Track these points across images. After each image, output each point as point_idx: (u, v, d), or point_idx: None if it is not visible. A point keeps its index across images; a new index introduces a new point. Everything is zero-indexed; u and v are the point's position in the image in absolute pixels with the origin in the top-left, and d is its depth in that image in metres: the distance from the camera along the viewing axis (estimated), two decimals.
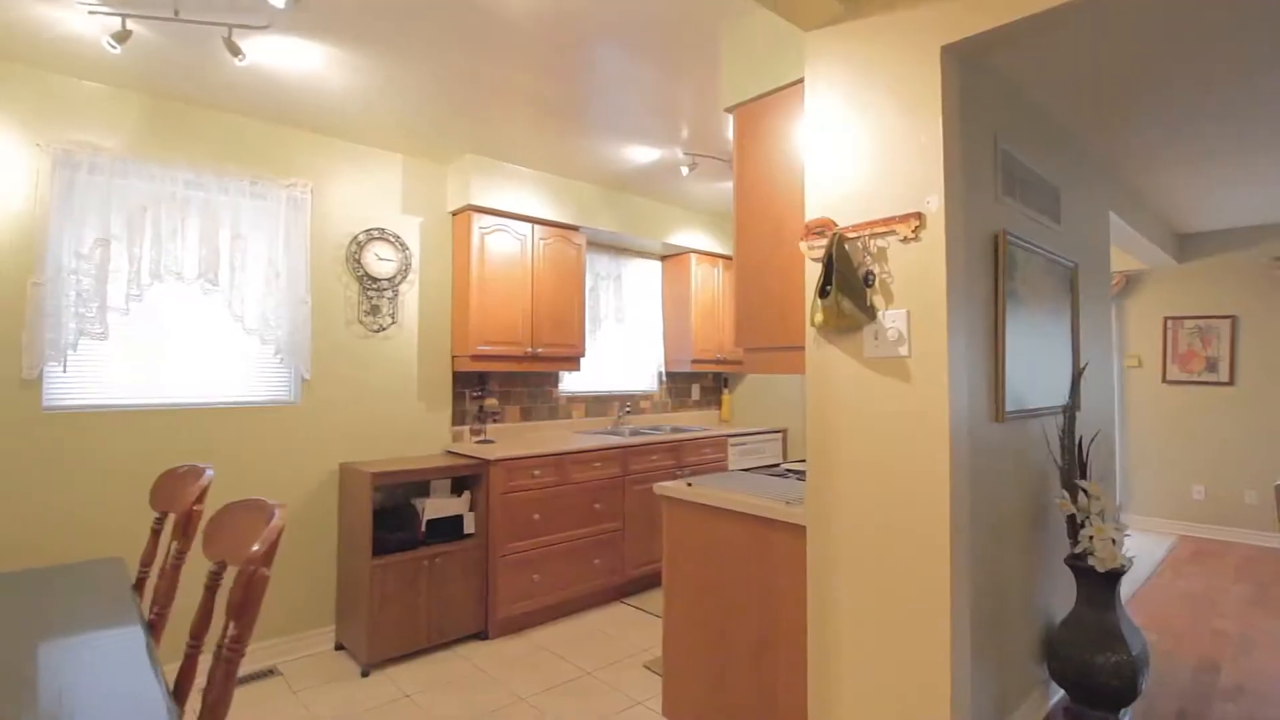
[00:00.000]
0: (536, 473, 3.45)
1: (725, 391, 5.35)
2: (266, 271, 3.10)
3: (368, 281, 3.42)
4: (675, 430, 4.77)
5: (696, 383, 5.31)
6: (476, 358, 3.61)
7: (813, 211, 2.00)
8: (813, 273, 1.99)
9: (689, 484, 2.41)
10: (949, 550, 1.68)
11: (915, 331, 1.77)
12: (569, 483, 3.60)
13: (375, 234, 3.45)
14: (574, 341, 4.05)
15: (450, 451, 3.65)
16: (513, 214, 3.77)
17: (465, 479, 3.46)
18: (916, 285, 1.78)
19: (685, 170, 3.59)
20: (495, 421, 3.88)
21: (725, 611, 2.23)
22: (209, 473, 1.94)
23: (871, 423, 1.84)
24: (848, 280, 1.79)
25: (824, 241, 1.91)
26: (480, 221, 3.64)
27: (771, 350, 2.23)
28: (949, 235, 1.74)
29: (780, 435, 4.96)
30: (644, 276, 4.92)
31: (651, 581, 4.08)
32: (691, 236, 4.73)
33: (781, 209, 2.21)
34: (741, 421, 5.26)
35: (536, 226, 3.88)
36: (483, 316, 3.62)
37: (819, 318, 1.81)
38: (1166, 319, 5.33)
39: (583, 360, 4.54)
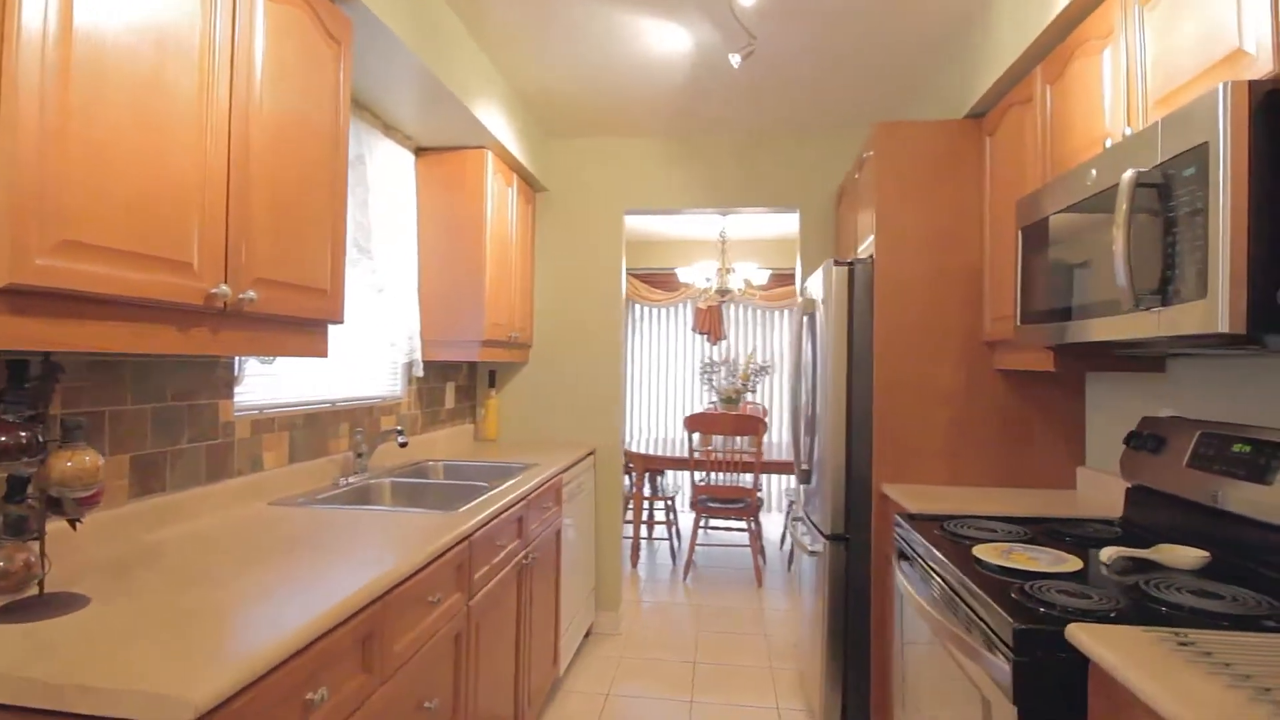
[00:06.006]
0: None
1: (492, 393, 3.29)
2: None
3: None
4: (451, 469, 2.58)
5: (451, 381, 3.11)
6: None
7: None
8: None
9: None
10: None
11: None
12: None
13: None
14: (320, 281, 1.58)
15: None
16: None
17: None
18: None
19: None
20: (64, 516, 1.15)
21: None
22: None
23: None
24: None
25: None
26: None
27: None
28: None
29: (592, 459, 3.25)
30: (394, 175, 2.53)
31: None
32: (496, 117, 2.60)
33: None
34: (514, 439, 3.31)
35: None
36: (52, 163, 0.96)
37: None
38: None
39: (333, 330, 2.01)
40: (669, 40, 2.35)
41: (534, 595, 2.24)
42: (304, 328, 1.56)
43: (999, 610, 1.16)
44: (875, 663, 2.27)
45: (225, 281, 1.27)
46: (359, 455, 2.19)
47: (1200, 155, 1.13)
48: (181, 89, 1.17)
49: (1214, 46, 1.19)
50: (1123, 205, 1.26)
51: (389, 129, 2.49)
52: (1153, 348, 1.50)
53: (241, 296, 1.30)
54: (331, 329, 2.10)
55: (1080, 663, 1.05)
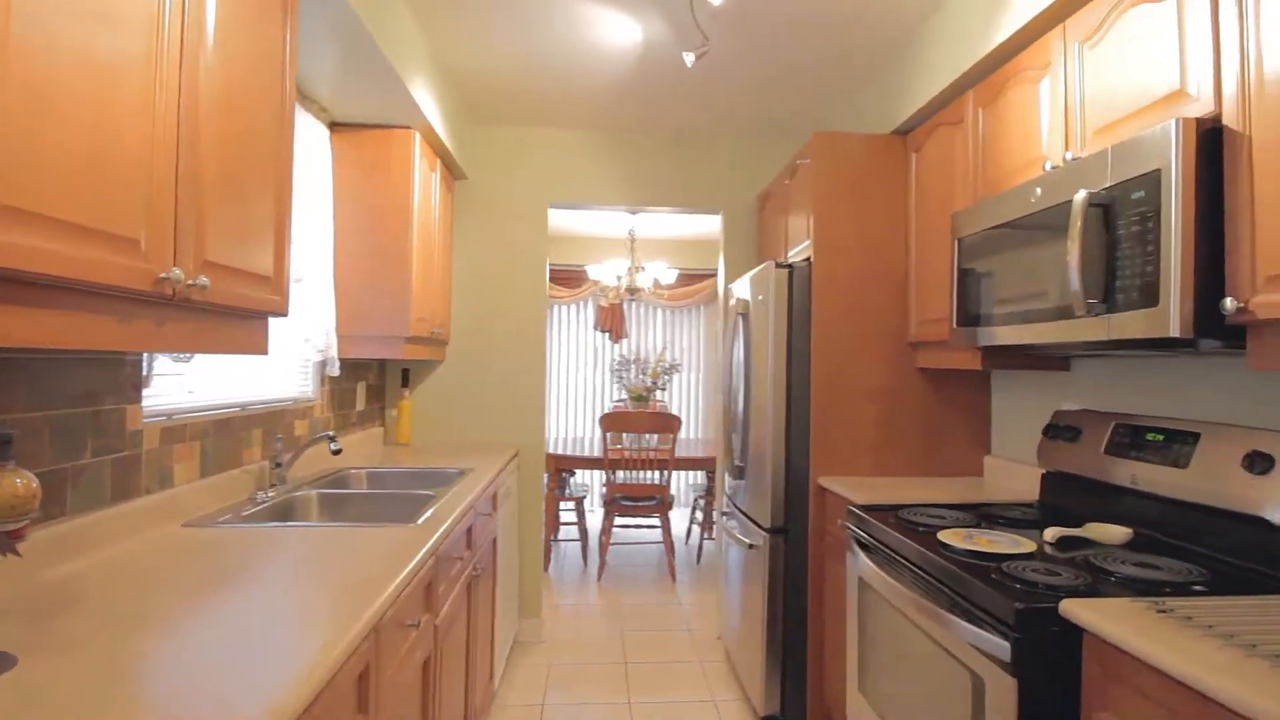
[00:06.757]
0: None
1: (406, 393, 3.06)
2: None
3: None
4: (376, 478, 2.38)
5: (363, 380, 2.85)
6: None
7: None
8: None
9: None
10: None
11: None
12: None
13: None
14: (265, 266, 1.38)
15: None
16: None
17: None
18: None
19: None
20: None
21: None
22: None
23: None
24: None
25: None
26: None
27: None
28: None
29: (516, 460, 3.12)
30: (309, 151, 2.26)
31: None
32: (426, 95, 2.40)
33: None
34: (429, 442, 3.10)
35: None
36: None
37: None
38: None
39: (273, 324, 1.75)
40: (621, 33, 2.31)
41: (478, 608, 2.12)
42: (247, 320, 1.35)
43: (993, 592, 1.25)
44: (813, 647, 2.38)
45: (176, 264, 1.07)
46: (277, 465, 1.95)
47: (1151, 181, 1.28)
48: (132, 28, 0.96)
49: (1156, 85, 1.35)
50: (1077, 222, 1.40)
51: (304, 99, 2.23)
52: (1070, 349, 1.70)
53: (192, 283, 1.10)
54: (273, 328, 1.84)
55: (1073, 634, 1.16)
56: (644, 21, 2.24)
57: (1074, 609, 1.14)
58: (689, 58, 2.18)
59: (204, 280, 1.12)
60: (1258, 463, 1.33)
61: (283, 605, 1.06)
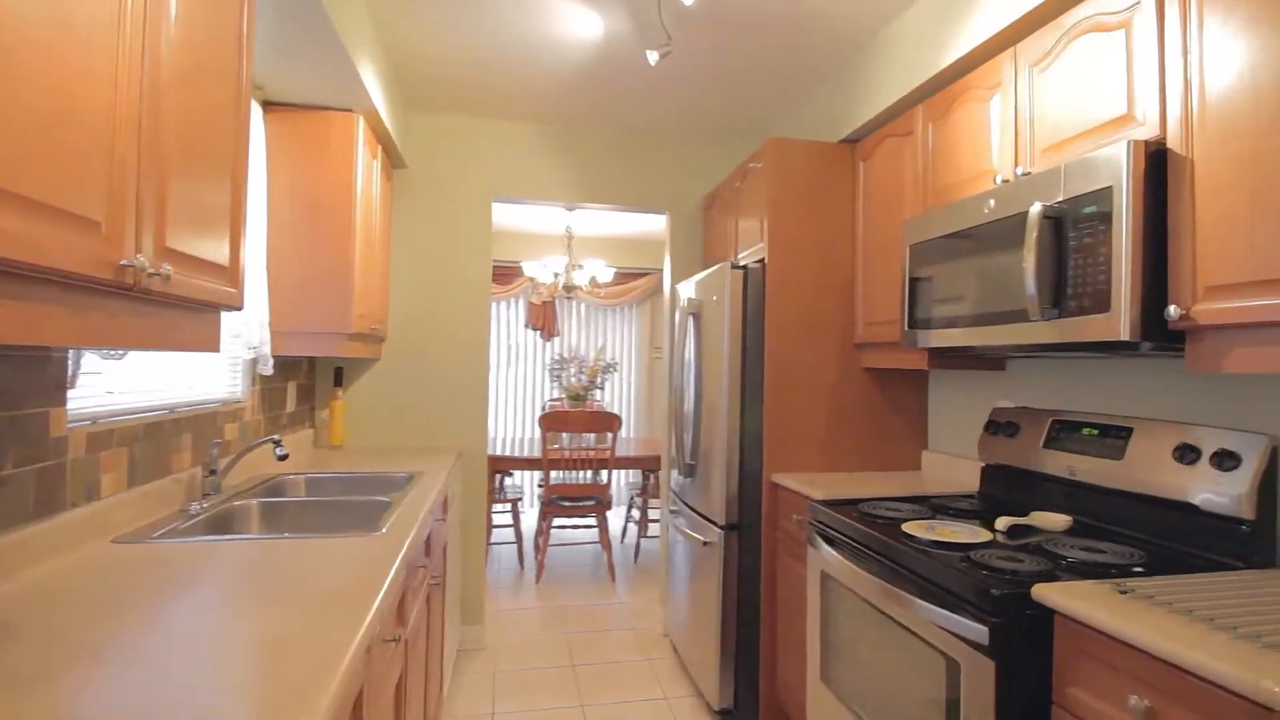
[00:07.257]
0: None
1: (339, 393, 2.87)
2: None
3: None
4: (316, 484, 2.23)
5: (293, 380, 2.65)
6: None
7: None
8: None
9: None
10: None
11: None
12: None
13: None
14: (222, 255, 1.25)
15: None
16: None
17: None
18: None
19: None
20: None
21: None
22: None
23: None
24: None
25: None
26: None
27: None
28: None
29: (460, 461, 3.00)
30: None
31: None
32: (373, 78, 2.26)
33: None
34: (363, 444, 2.93)
35: None
36: None
37: None
38: None
39: (226, 319, 1.58)
40: (582, 26, 2.27)
41: (434, 618, 2.02)
42: (201, 314, 1.23)
43: (969, 580, 1.32)
44: (766, 641, 2.43)
45: (140, 251, 0.95)
46: (211, 473, 1.78)
47: (1103, 197, 1.39)
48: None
49: (1104, 109, 1.47)
50: (1033, 232, 1.50)
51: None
52: (1016, 351, 1.83)
53: (154, 272, 0.98)
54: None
55: (1044, 617, 1.24)
56: (607, 17, 2.21)
57: (1046, 593, 1.22)
58: (653, 56, 2.17)
59: (168, 269, 1.00)
60: (1187, 454, 1.48)
61: (258, 626, 0.97)
